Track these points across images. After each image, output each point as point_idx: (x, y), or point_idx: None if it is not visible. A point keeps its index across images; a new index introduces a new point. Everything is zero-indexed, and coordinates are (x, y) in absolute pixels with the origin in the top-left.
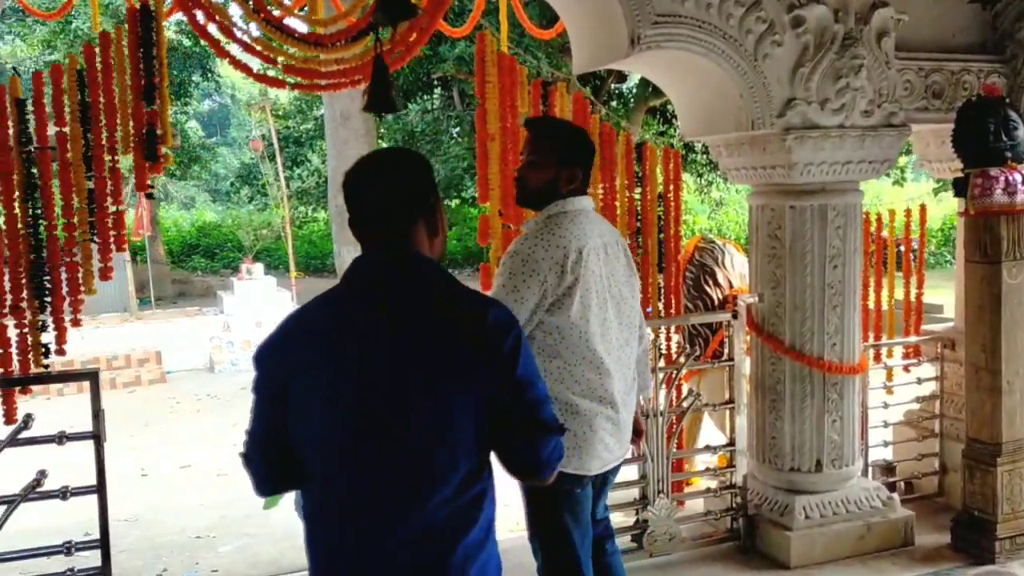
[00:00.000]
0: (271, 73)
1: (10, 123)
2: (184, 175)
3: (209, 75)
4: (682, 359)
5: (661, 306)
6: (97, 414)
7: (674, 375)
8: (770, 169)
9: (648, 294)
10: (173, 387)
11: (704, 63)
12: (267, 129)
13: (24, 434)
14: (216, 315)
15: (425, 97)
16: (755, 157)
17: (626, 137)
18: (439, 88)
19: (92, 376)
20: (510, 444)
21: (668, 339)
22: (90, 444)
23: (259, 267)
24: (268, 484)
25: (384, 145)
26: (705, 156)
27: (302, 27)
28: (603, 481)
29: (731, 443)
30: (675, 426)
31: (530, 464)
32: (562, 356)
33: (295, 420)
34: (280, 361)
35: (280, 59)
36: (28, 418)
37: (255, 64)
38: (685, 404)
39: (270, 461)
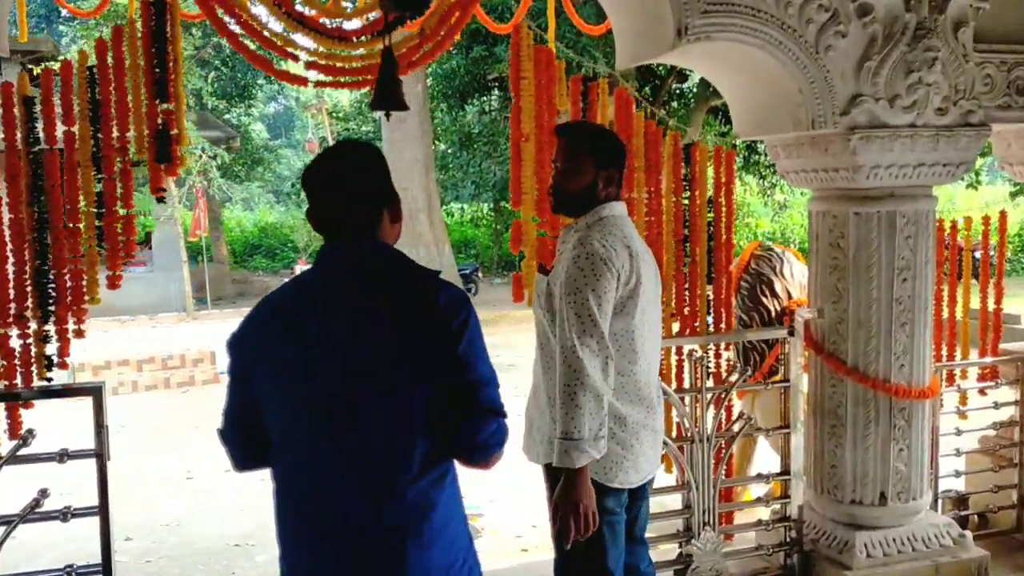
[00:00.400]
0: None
1: (17, 122)
2: (248, 176)
3: (273, 78)
4: (732, 377)
5: (710, 320)
6: (100, 430)
7: (723, 396)
8: (832, 172)
9: (696, 307)
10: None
11: (759, 56)
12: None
13: (24, 451)
14: None
15: (483, 98)
16: (816, 159)
17: (673, 136)
18: (496, 89)
19: (95, 391)
20: (448, 424)
21: (717, 356)
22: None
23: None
24: (244, 461)
25: (441, 147)
26: (768, 157)
27: (355, 25)
28: (640, 494)
29: (785, 471)
30: (723, 451)
31: (466, 446)
32: (616, 365)
33: (269, 404)
34: (253, 347)
35: (302, 54)
36: (28, 434)
37: (311, 74)
38: (735, 427)
39: (245, 441)
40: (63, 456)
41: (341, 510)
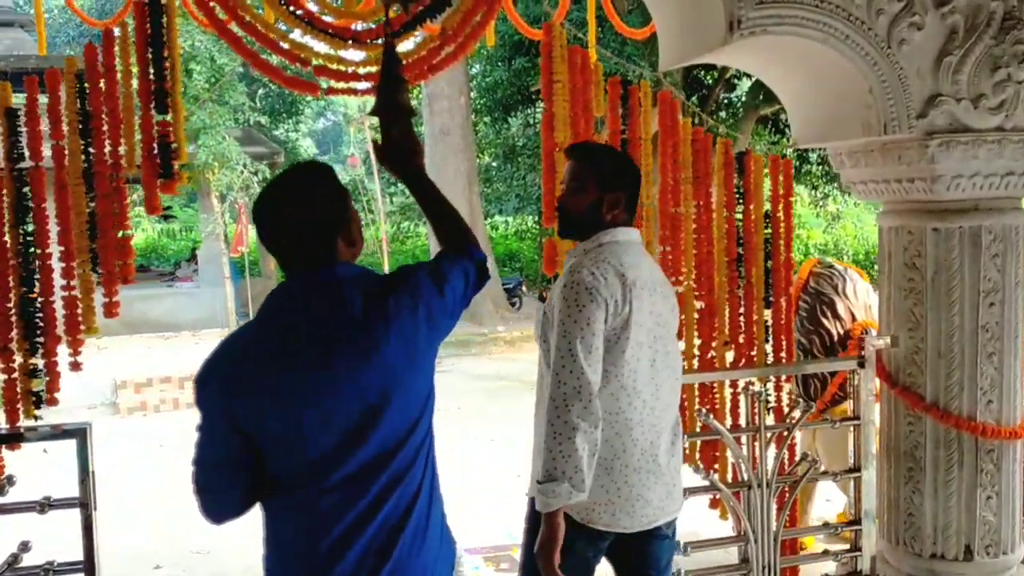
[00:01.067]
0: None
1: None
2: None
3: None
4: (796, 413)
5: (769, 349)
6: (85, 478)
7: (785, 434)
8: (907, 183)
9: (753, 334)
10: None
11: (822, 52)
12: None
13: (1, 500)
14: None
15: (526, 111)
16: (887, 168)
17: (724, 145)
18: (540, 101)
19: (79, 433)
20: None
21: (778, 389)
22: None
23: None
24: (228, 511)
25: (485, 160)
26: (821, 167)
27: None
28: (651, 536)
29: (856, 521)
30: (786, 497)
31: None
32: (603, 400)
33: (268, 433)
34: (237, 381)
35: (314, 59)
36: (7, 481)
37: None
38: (799, 470)
39: (231, 486)
40: (44, 506)
41: (360, 520)
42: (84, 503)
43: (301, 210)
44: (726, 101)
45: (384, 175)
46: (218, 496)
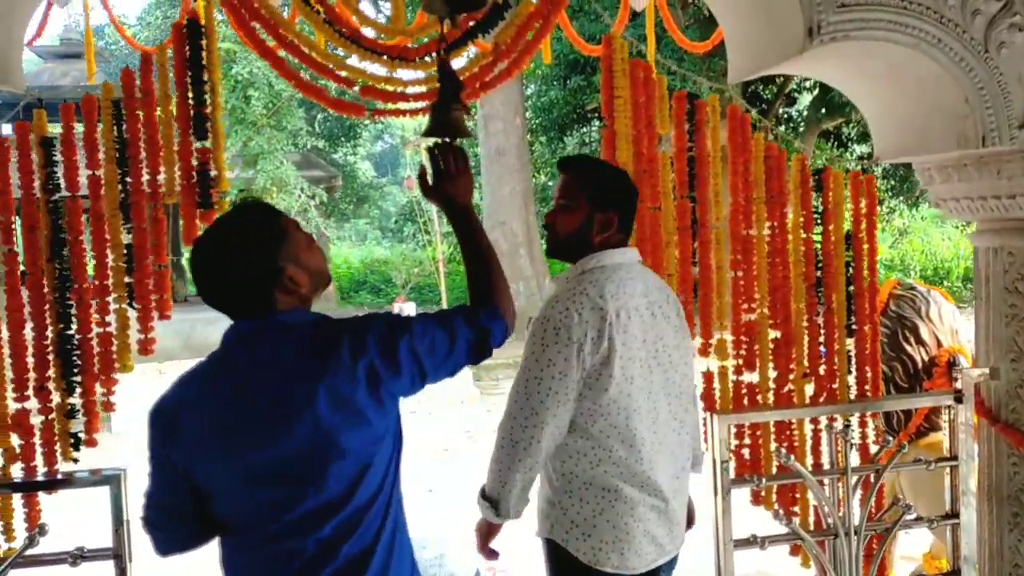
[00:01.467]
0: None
1: (35, 167)
2: (355, 214)
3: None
4: (884, 454)
5: (852, 381)
6: (119, 527)
7: (872, 478)
8: (1007, 199)
9: (834, 366)
10: None
11: (911, 58)
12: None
13: (30, 551)
14: None
15: (582, 130)
16: (984, 183)
17: (800, 161)
18: (596, 120)
19: (113, 480)
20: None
21: (863, 425)
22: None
23: (411, 305)
24: (175, 545)
25: (542, 179)
26: (886, 181)
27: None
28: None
29: (955, 572)
30: (876, 547)
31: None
32: (594, 437)
33: (216, 476)
34: (173, 436)
35: (359, 79)
36: (39, 531)
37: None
38: (889, 516)
39: (179, 523)
40: (77, 558)
41: (305, 569)
42: (118, 554)
43: (220, 270)
44: (786, 115)
45: None
46: (163, 534)
